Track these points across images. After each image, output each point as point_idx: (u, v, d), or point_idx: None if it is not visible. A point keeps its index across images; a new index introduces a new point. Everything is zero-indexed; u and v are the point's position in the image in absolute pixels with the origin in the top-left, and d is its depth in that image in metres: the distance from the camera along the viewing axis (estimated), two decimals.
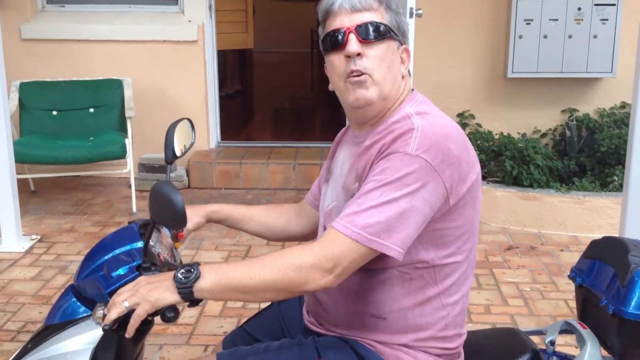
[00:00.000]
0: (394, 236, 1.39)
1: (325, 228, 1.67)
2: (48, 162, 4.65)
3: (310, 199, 1.91)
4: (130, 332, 1.37)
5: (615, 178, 4.38)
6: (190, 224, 1.74)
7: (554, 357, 1.80)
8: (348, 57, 1.52)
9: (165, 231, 1.68)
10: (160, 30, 5.33)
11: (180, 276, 1.37)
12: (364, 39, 1.52)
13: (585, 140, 4.89)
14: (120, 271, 1.45)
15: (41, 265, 3.82)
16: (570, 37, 4.91)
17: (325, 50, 1.58)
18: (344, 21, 1.54)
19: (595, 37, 4.90)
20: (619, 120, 4.90)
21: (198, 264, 1.40)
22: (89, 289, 1.49)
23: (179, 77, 5.35)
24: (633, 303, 1.60)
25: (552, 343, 1.80)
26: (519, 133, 5.07)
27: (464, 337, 1.64)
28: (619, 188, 4.21)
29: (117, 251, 1.50)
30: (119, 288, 1.42)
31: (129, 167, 4.65)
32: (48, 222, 4.49)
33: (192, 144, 1.74)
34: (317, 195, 1.84)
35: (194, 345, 3.00)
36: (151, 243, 1.49)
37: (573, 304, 1.94)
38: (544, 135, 5.20)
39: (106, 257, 1.49)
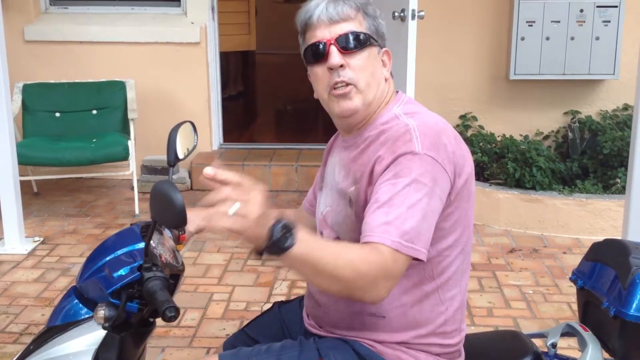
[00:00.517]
0: (422, 239, 1.40)
1: (322, 234, 1.67)
2: (51, 163, 4.65)
3: (307, 206, 1.93)
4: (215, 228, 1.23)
5: (618, 180, 4.37)
6: (191, 227, 1.74)
7: None
8: (331, 69, 1.54)
9: (167, 233, 1.68)
10: (162, 32, 5.33)
11: (277, 234, 1.26)
12: (345, 50, 1.53)
13: (588, 142, 4.88)
14: (122, 272, 1.45)
15: (44, 267, 3.83)
16: (572, 38, 4.89)
17: (308, 63, 1.60)
18: (324, 33, 1.55)
19: (597, 38, 4.89)
20: (622, 122, 4.88)
21: (293, 226, 1.29)
22: (91, 289, 1.50)
23: (181, 79, 5.35)
24: (634, 305, 1.61)
25: (554, 346, 1.80)
26: (521, 135, 5.07)
27: (463, 334, 1.65)
28: (622, 190, 4.21)
29: (118, 252, 1.50)
30: (120, 289, 1.43)
31: (131, 169, 4.66)
32: (51, 224, 4.49)
33: (194, 147, 1.74)
34: (313, 201, 1.86)
35: (196, 348, 3.00)
36: (153, 244, 1.49)
37: (576, 306, 1.94)
38: (546, 137, 5.19)
39: (108, 258, 1.49)
